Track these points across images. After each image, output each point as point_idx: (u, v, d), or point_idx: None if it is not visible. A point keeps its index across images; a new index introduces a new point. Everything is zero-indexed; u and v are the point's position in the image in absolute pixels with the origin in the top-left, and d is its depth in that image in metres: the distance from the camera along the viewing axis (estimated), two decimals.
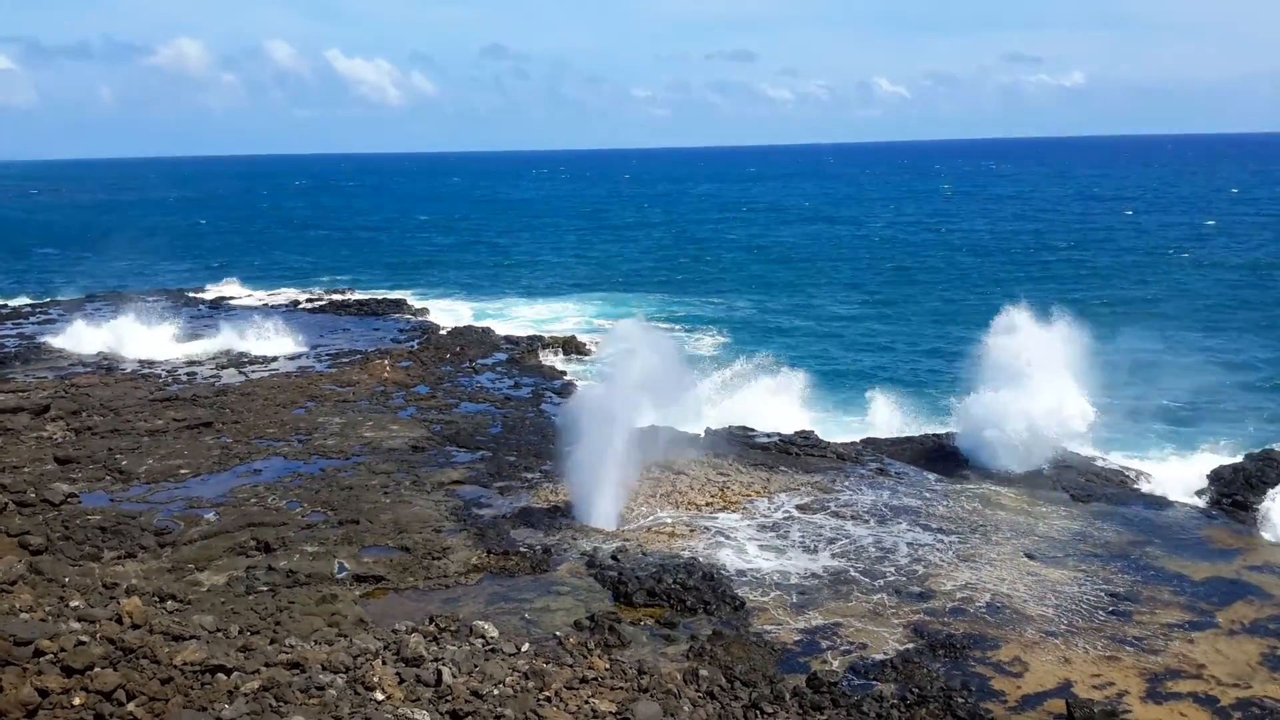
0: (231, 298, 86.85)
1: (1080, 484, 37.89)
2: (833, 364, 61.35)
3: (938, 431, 44.41)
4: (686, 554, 31.02)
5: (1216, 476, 37.71)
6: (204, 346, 63.56)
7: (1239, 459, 39.01)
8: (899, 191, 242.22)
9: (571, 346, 63.43)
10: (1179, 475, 39.55)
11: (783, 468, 39.45)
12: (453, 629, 25.51)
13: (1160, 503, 36.40)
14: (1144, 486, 38.51)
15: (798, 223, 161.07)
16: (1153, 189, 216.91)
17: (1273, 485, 36.34)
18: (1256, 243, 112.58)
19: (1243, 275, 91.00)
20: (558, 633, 25.91)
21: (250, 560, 30.67)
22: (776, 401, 48.07)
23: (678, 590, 28.22)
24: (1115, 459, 41.74)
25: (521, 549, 31.56)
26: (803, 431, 43.95)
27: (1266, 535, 33.15)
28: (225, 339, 64.80)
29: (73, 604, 25.22)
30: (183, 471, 39.33)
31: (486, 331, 66.84)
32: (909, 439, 43.98)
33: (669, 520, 34.25)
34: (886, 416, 47.50)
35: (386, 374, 54.76)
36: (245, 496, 36.43)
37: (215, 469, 39.69)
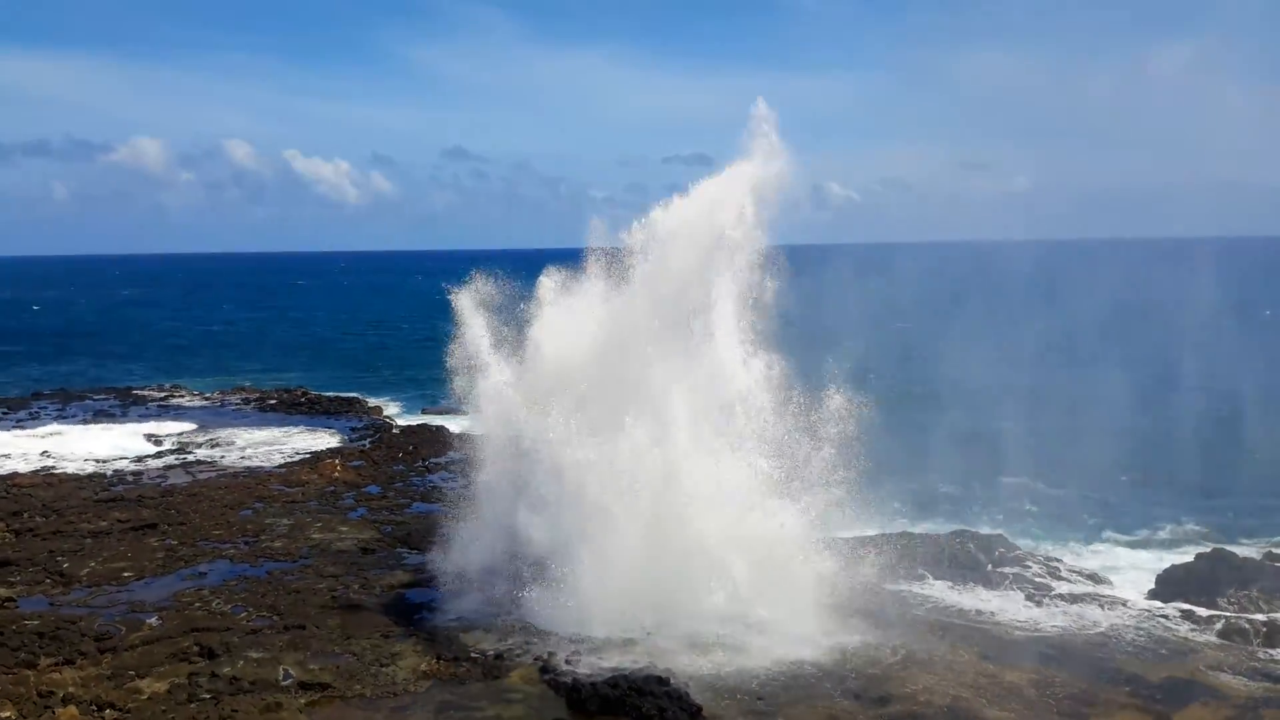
0: (182, 396, 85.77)
1: (1036, 584, 37.89)
2: None
3: (893, 531, 44.34)
4: (643, 657, 30.50)
5: (1169, 576, 37.89)
6: (151, 446, 62.59)
7: (1191, 558, 39.27)
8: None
9: None
10: (1132, 575, 39.81)
11: None
12: None
13: (1115, 602, 36.41)
14: (1098, 586, 38.56)
15: None
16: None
17: (1225, 584, 36.63)
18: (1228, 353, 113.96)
19: (1186, 369, 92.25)
20: None
21: (193, 666, 29.80)
22: None
23: (633, 697, 27.65)
24: (1068, 558, 41.85)
25: (473, 655, 30.89)
26: None
27: (1220, 635, 33.21)
28: (174, 438, 63.88)
29: (4, 715, 24.32)
30: (126, 574, 38.36)
31: (440, 430, 66.29)
32: (867, 537, 43.77)
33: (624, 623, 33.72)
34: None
35: (337, 474, 54.07)
36: (189, 600, 35.55)
37: (159, 572, 38.78)
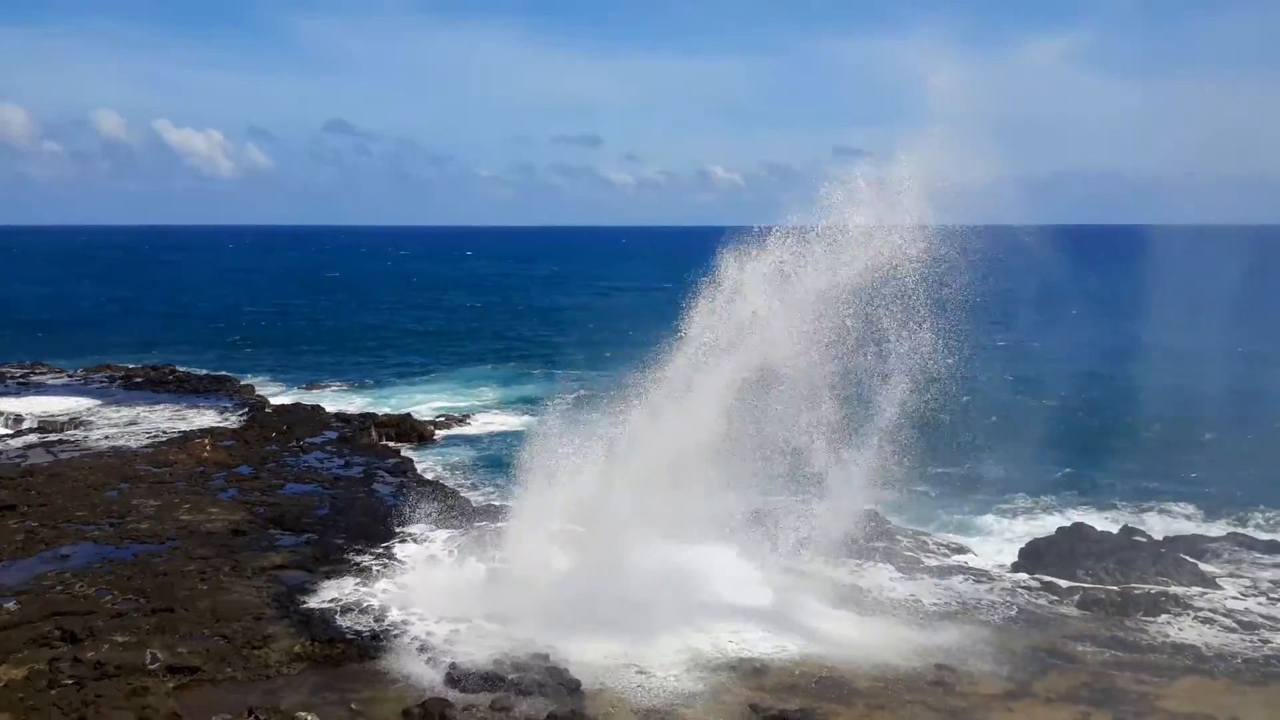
0: (44, 374, 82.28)
1: (905, 558, 38.95)
2: None
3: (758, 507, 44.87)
4: (522, 635, 30.50)
5: (1031, 550, 39.34)
6: (11, 425, 60.00)
7: (1052, 533, 40.82)
8: None
9: (407, 426, 62.03)
10: (996, 548, 41.21)
11: None
12: None
13: (980, 575, 37.69)
14: (965, 559, 39.85)
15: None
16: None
17: (1083, 557, 38.18)
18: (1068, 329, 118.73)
19: (1054, 353, 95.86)
20: None
21: (54, 651, 28.76)
22: None
23: (512, 672, 27.69)
24: (936, 533, 43.03)
25: (348, 636, 30.46)
26: None
27: (1078, 606, 34.62)
28: (35, 417, 61.35)
29: None
30: None
31: (315, 409, 64.96)
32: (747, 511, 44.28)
33: (504, 600, 33.70)
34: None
35: (207, 453, 52.59)
36: (50, 584, 34.23)
37: (18, 554, 37.23)
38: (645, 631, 30.64)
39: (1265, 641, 31.56)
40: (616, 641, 30.16)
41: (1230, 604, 34.80)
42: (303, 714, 24.49)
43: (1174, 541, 41.06)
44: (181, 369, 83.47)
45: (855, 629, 31.90)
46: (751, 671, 28.77)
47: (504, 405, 72.84)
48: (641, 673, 28.54)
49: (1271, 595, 35.61)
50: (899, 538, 40.95)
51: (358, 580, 35.20)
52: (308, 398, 73.01)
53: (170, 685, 27.07)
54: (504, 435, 63.07)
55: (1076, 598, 35.22)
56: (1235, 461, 53.55)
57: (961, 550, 40.91)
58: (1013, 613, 33.99)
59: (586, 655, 29.37)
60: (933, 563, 38.91)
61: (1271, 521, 45.20)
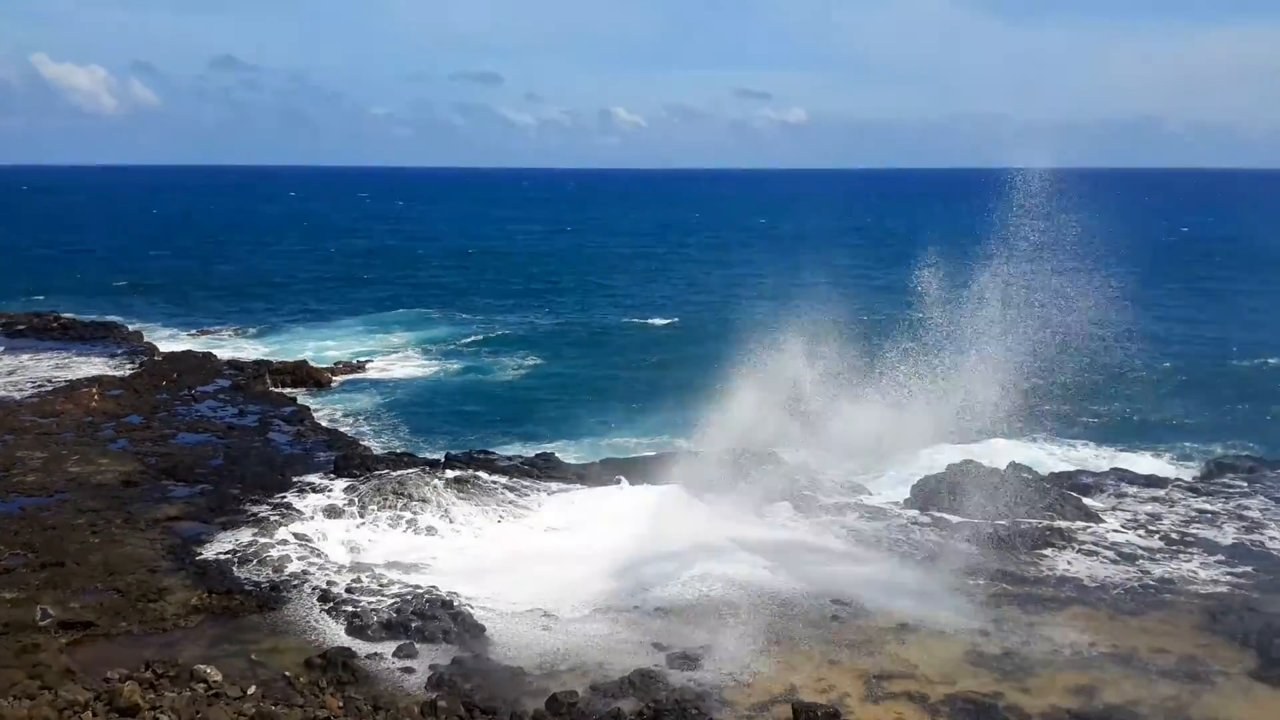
0: None
1: (803, 498, 39.64)
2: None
3: (668, 451, 45.32)
4: (425, 583, 30.45)
5: (922, 487, 40.37)
6: None
7: (943, 470, 41.88)
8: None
9: (303, 373, 60.86)
10: (892, 486, 42.17)
11: (523, 486, 39.45)
12: (171, 674, 24.02)
13: (875, 513, 38.59)
14: (858, 496, 40.74)
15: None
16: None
17: (972, 493, 39.27)
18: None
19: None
20: (287, 673, 24.84)
21: None
22: None
23: (416, 620, 27.65)
24: (832, 471, 43.71)
25: (247, 587, 30.06)
26: (543, 454, 44.07)
27: (967, 540, 35.68)
28: None
29: None
30: None
31: (207, 357, 63.40)
32: (647, 457, 44.72)
33: (407, 548, 33.61)
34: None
35: (94, 403, 51.03)
36: None
37: None
38: (556, 575, 30.94)
39: (1145, 572, 33.06)
40: (525, 586, 30.39)
41: (1112, 537, 36.33)
42: (202, 666, 24.11)
43: (1060, 477, 42.64)
44: (66, 315, 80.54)
45: (756, 568, 32.45)
46: (655, 611, 29.18)
47: (405, 350, 72.13)
48: (548, 615, 28.75)
49: (1150, 528, 37.24)
50: (797, 476, 41.58)
51: (255, 531, 34.66)
52: (199, 345, 71.15)
53: (63, 641, 26.46)
54: (405, 381, 62.53)
55: (966, 533, 36.31)
56: (1135, 397, 55.74)
57: (857, 489, 41.81)
58: (905, 549, 34.95)
59: (493, 601, 29.51)
60: (829, 501, 39.71)
61: (1159, 453, 47.43)
